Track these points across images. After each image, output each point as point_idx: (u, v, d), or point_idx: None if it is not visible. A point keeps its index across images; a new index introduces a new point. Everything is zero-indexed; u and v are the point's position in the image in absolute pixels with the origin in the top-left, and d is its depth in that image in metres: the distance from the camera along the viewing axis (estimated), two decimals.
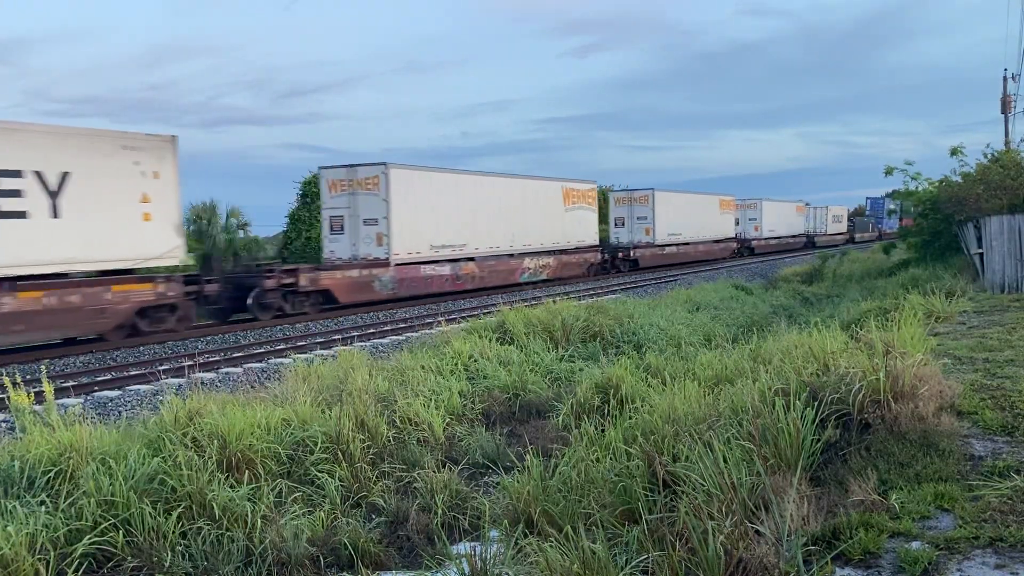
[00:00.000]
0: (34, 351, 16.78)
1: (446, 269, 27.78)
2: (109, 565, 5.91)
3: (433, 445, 8.62)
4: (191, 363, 14.36)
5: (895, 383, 6.01)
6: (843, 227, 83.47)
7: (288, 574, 5.95)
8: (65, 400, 11.86)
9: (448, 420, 9.28)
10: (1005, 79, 34.97)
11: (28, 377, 12.26)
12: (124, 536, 5.94)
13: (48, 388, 8.65)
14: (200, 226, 34.99)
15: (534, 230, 32.67)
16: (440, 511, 6.83)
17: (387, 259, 25.26)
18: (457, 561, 5.40)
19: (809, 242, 70.19)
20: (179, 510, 6.21)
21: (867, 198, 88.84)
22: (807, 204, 73.11)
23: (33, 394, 8.74)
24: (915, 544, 4.13)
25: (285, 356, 15.98)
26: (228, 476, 6.91)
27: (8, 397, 8.62)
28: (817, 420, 5.73)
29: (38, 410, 8.26)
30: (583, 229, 36.54)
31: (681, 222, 45.52)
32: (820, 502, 4.80)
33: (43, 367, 12.08)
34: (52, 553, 5.60)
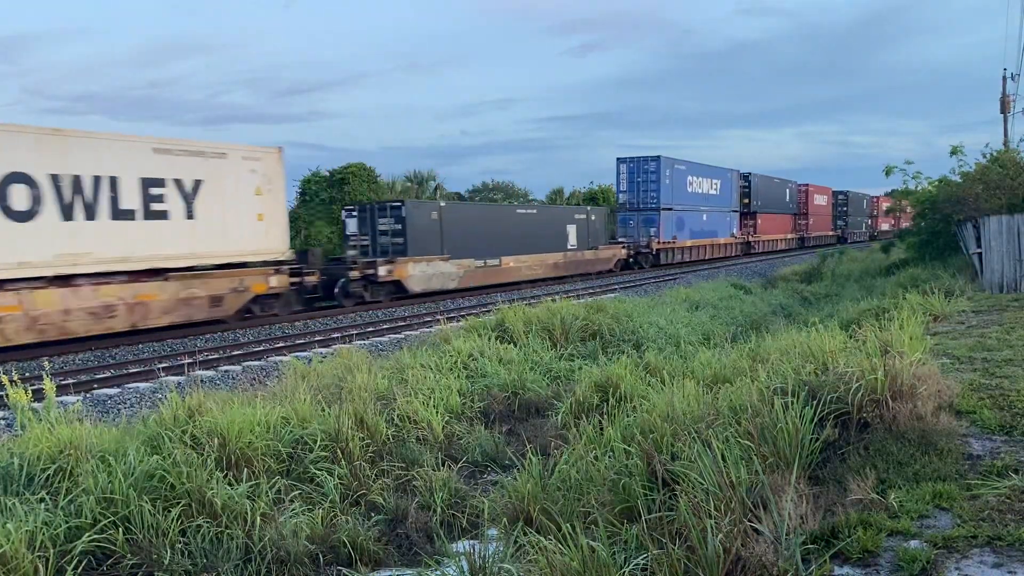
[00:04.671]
0: (35, 348, 16.76)
1: None
2: (108, 563, 5.91)
3: (432, 443, 8.62)
4: (190, 361, 14.37)
5: (894, 382, 6.02)
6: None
7: (287, 572, 5.96)
8: (64, 398, 11.86)
9: (447, 418, 9.29)
10: (1004, 79, 34.99)
11: (28, 375, 12.25)
12: (123, 534, 5.94)
13: (49, 385, 8.64)
14: None
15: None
16: (439, 509, 6.84)
17: None
18: (456, 559, 5.41)
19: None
20: (178, 508, 6.21)
21: (619, 159, 42.08)
22: None
23: (32, 392, 8.73)
24: (913, 543, 4.14)
25: (284, 354, 15.99)
26: (227, 474, 6.91)
27: (7, 395, 8.61)
28: (816, 419, 5.75)
29: (37, 407, 8.25)
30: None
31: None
32: (819, 501, 4.81)
33: (46, 363, 12.08)
34: (51, 551, 5.60)
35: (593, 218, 37.34)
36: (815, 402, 5.92)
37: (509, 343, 13.26)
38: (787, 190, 60.17)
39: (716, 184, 47.90)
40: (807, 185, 63.63)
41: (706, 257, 46.15)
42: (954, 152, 23.57)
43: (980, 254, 17.31)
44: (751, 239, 52.65)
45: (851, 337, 8.71)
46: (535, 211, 35.22)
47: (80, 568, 5.62)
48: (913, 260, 24.58)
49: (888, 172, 26.37)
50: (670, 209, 41.77)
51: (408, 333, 18.96)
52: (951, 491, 4.71)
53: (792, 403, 5.76)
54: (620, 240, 40.63)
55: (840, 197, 72.83)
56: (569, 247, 35.04)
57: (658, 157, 41.25)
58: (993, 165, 21.65)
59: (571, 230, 35.43)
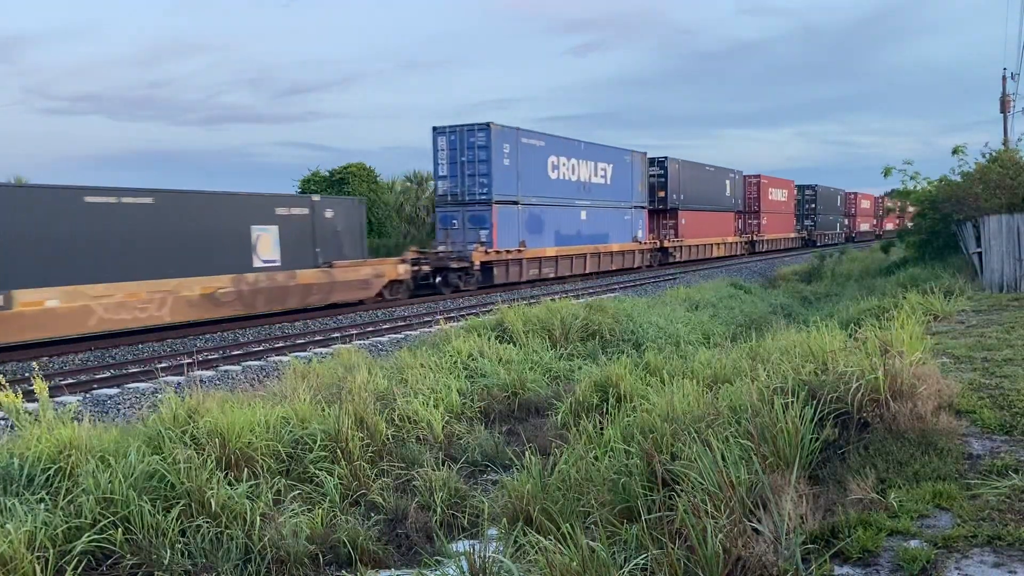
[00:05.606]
0: (33, 348, 16.75)
1: None
2: (108, 563, 5.91)
3: (432, 443, 8.63)
4: (190, 361, 14.36)
5: (894, 382, 6.02)
6: None
7: (287, 572, 5.96)
8: (64, 398, 11.87)
9: (447, 418, 9.29)
10: (1004, 78, 34.98)
11: (26, 375, 12.24)
12: (123, 534, 5.94)
13: (40, 386, 8.60)
14: None
15: None
16: (439, 509, 6.84)
17: None
18: (456, 559, 5.40)
19: None
20: (178, 508, 6.21)
21: (434, 129, 27.73)
22: None
23: (28, 392, 8.71)
24: (913, 543, 4.14)
25: (284, 354, 15.99)
26: (227, 474, 6.91)
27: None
28: (816, 419, 5.74)
29: (33, 408, 8.23)
30: None
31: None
32: (819, 501, 4.81)
33: (35, 364, 12.05)
34: (51, 551, 5.60)
35: (329, 215, 22.22)
36: (815, 402, 5.92)
37: (509, 343, 13.26)
38: (727, 182, 47.23)
39: (604, 170, 34.07)
40: (758, 176, 51.98)
41: (587, 271, 32.85)
42: (956, 152, 23.58)
43: (980, 254, 17.31)
44: (670, 244, 40.10)
45: (851, 337, 8.71)
46: (150, 200, 18.01)
47: (80, 568, 5.62)
48: (913, 259, 24.60)
49: (887, 173, 26.35)
50: (514, 203, 28.37)
51: (408, 333, 18.96)
52: (951, 491, 4.71)
53: (792, 403, 5.75)
54: (440, 247, 27.20)
55: (808, 193, 62.13)
56: (260, 264, 20.23)
57: (487, 125, 26.74)
58: (993, 165, 21.65)
59: (265, 235, 20.41)
